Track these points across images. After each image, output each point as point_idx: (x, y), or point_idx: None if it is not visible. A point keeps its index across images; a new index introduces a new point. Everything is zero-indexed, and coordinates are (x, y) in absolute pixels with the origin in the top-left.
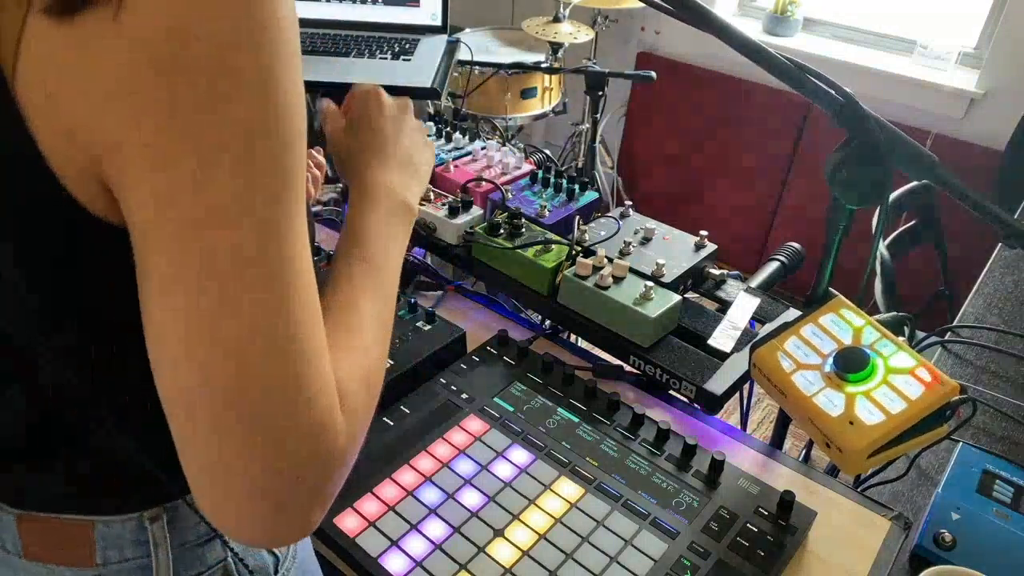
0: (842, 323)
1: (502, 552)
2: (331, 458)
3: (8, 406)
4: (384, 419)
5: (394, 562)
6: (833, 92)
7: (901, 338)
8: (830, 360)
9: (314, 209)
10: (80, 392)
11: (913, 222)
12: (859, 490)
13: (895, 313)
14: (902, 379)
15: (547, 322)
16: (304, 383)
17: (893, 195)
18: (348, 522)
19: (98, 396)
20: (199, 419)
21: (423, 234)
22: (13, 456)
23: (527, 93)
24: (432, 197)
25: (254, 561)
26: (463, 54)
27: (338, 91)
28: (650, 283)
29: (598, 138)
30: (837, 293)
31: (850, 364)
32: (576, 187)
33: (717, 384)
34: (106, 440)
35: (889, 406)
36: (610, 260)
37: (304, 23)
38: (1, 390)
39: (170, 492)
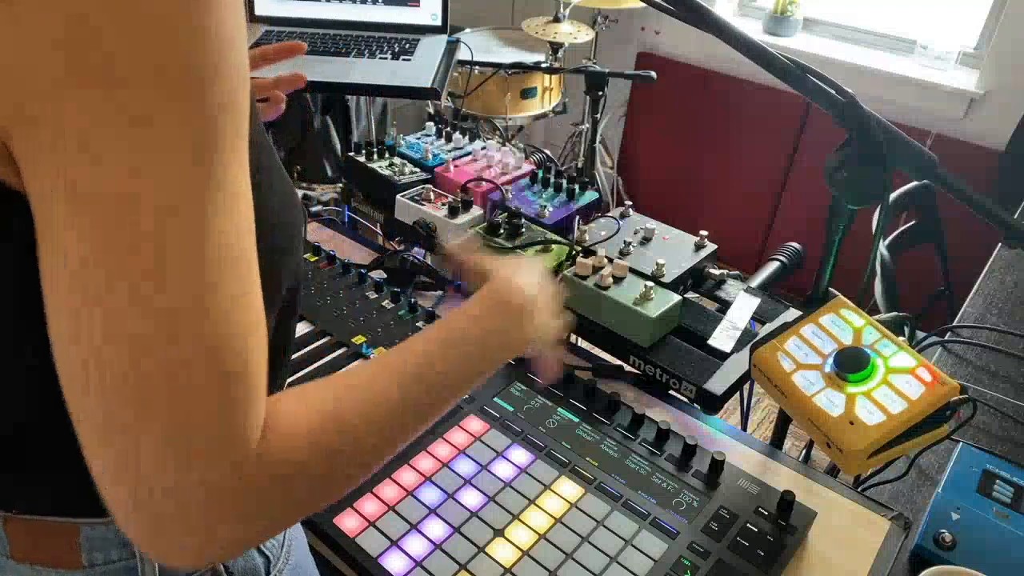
0: (842, 323)
1: (502, 552)
2: (229, 479)
3: None
4: None
5: (394, 562)
6: (834, 92)
7: (901, 338)
8: (830, 360)
9: (313, 209)
10: (48, 397)
11: (913, 222)
12: (859, 490)
13: (895, 313)
14: (902, 379)
15: None
16: (213, 384)
17: (893, 195)
18: (348, 522)
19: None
20: (91, 421)
21: (423, 234)
22: None
23: (527, 93)
24: (432, 197)
25: (243, 563)
26: (463, 54)
27: (337, 91)
28: (650, 283)
29: (598, 138)
30: (837, 293)
31: (850, 364)
32: (576, 187)
33: (717, 384)
34: (76, 440)
35: (889, 406)
36: (610, 260)
37: (304, 23)
38: None
39: None
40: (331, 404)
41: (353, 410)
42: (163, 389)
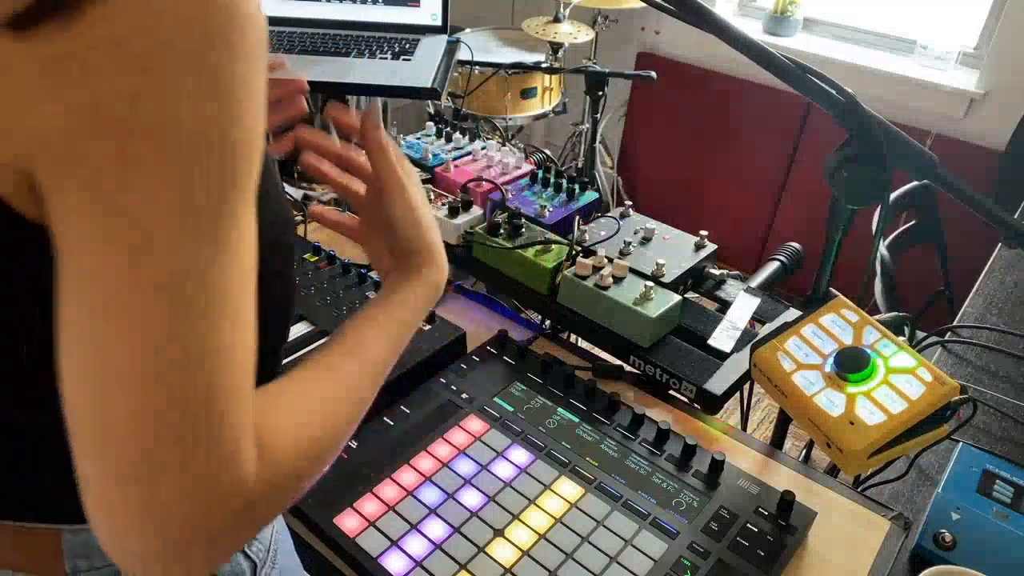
0: (842, 323)
1: (502, 552)
2: (226, 505)
3: None
4: (384, 419)
5: (394, 562)
6: (834, 92)
7: (901, 338)
8: (831, 360)
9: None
10: (42, 407)
11: (913, 222)
12: (859, 490)
13: (895, 313)
14: (902, 379)
15: (547, 322)
16: (204, 424)
17: (893, 195)
18: (348, 522)
19: (55, 407)
20: (98, 445)
21: None
22: None
23: (527, 93)
24: (432, 197)
25: (229, 568)
26: (463, 54)
27: (337, 91)
28: (650, 283)
29: (598, 138)
30: (837, 293)
31: (851, 364)
32: (576, 187)
33: (717, 384)
34: (68, 451)
35: (889, 406)
36: (610, 260)
37: (304, 23)
38: None
39: None
40: (316, 416)
41: (331, 413)
42: (164, 427)
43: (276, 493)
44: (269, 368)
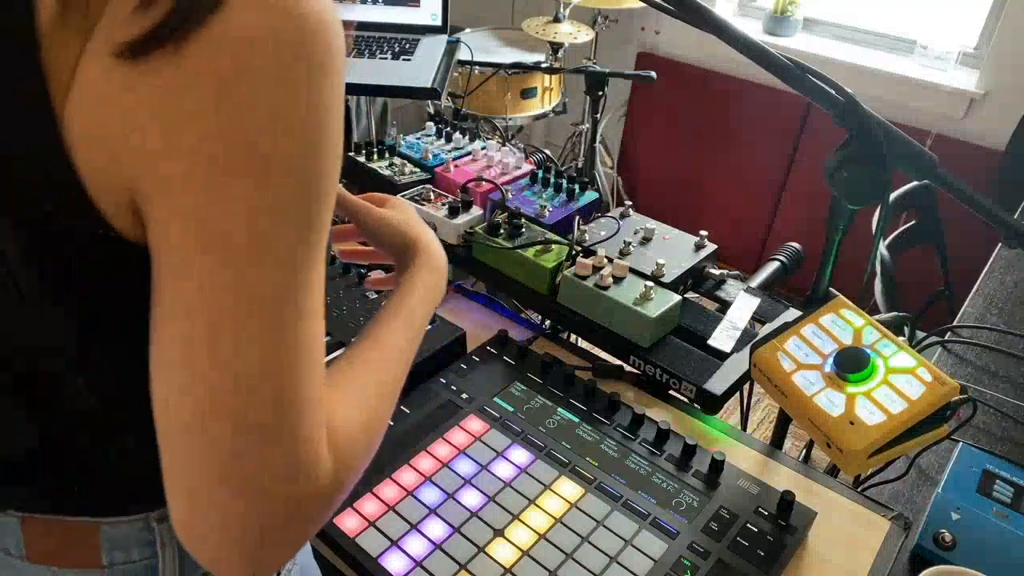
0: (842, 323)
1: (502, 552)
2: (307, 501)
3: (17, 423)
4: None
5: (394, 562)
6: (833, 92)
7: (901, 338)
8: (830, 360)
9: None
10: (94, 404)
11: (913, 222)
12: (859, 490)
13: (895, 313)
14: (902, 379)
15: (547, 322)
16: (291, 426)
17: (893, 195)
18: (348, 522)
19: (111, 405)
20: (189, 444)
21: None
22: (19, 466)
23: (527, 93)
24: (432, 197)
25: None
26: (463, 54)
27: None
28: (650, 283)
29: (598, 138)
30: (837, 293)
31: (851, 364)
32: (576, 187)
33: (717, 384)
34: (114, 445)
35: (889, 406)
36: (610, 260)
37: None
38: (12, 408)
39: None
40: (372, 409)
41: (383, 403)
42: (258, 429)
43: (341, 487)
44: None
